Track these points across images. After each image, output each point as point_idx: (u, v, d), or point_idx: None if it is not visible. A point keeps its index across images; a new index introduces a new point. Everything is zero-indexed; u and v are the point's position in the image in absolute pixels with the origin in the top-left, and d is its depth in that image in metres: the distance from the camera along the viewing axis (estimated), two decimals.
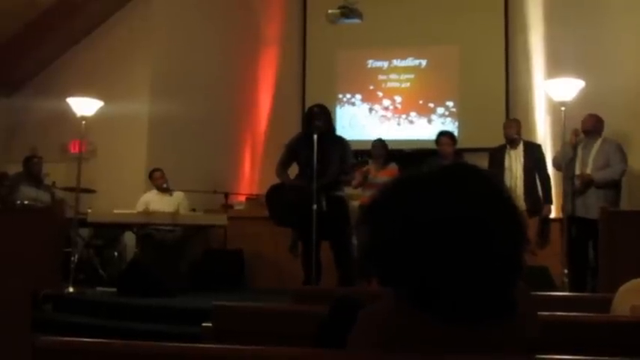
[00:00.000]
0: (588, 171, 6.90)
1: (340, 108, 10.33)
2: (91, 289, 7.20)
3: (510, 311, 1.29)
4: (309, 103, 9.61)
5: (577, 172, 6.97)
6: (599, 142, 7.03)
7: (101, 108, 7.47)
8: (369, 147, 8.09)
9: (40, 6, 8.57)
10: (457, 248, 1.21)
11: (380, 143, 8.11)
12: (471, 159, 7.85)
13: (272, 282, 7.78)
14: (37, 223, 6.71)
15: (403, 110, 10.50)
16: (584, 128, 7.06)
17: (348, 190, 6.72)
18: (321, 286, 6.14)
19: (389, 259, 1.28)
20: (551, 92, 7.06)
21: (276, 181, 6.49)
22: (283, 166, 6.53)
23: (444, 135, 7.67)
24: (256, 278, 8.33)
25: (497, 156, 7.38)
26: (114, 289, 6.92)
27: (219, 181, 9.42)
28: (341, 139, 6.53)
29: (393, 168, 7.76)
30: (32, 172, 8.13)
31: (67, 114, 7.57)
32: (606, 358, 1.41)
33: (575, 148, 6.99)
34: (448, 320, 1.25)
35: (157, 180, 8.13)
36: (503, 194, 1.30)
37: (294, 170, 6.52)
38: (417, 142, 9.83)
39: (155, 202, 8.03)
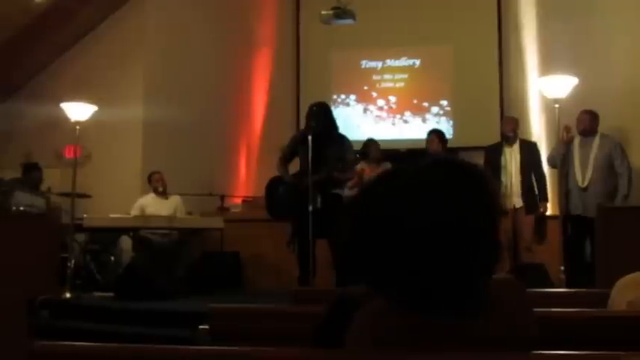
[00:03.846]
0: (589, 170, 6.90)
1: (335, 109, 10.25)
2: (88, 294, 7.18)
3: (483, 302, 1.31)
4: (303, 104, 9.62)
5: (577, 171, 6.96)
6: (597, 139, 7.00)
7: (95, 113, 7.44)
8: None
9: (33, 11, 8.56)
10: (435, 250, 1.23)
11: (376, 143, 8.10)
12: (465, 157, 7.85)
13: (269, 283, 7.77)
14: (33, 229, 6.70)
15: (398, 110, 10.51)
16: (582, 130, 7.03)
17: (344, 191, 6.73)
18: (315, 282, 6.17)
19: (370, 263, 1.29)
20: (545, 89, 7.06)
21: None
22: (283, 160, 6.70)
23: (431, 133, 7.69)
24: (254, 280, 8.32)
25: (492, 154, 7.39)
26: (111, 294, 6.91)
27: (215, 184, 9.41)
28: (341, 138, 6.55)
29: (386, 167, 7.74)
30: (32, 181, 8.10)
31: (62, 119, 7.55)
32: (604, 353, 1.41)
33: (567, 144, 6.99)
34: (433, 316, 1.27)
35: (155, 182, 8.12)
36: (481, 193, 1.31)
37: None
38: (411, 141, 9.83)
39: (151, 205, 8.02)
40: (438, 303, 1.27)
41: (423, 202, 1.25)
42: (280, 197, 6.51)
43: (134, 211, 7.91)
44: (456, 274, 1.24)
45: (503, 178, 7.14)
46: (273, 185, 6.64)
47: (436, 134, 7.61)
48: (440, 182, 1.28)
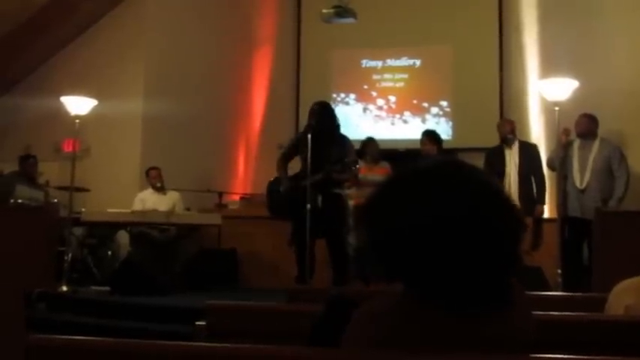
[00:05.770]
0: (588, 172, 6.89)
1: (334, 107, 10.27)
2: (84, 288, 7.17)
3: (509, 302, 1.31)
4: (303, 103, 9.62)
5: (576, 173, 6.95)
6: (596, 143, 7.00)
7: (95, 107, 7.45)
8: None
9: (33, 5, 8.55)
10: (461, 241, 1.24)
11: (374, 143, 8.08)
12: (465, 159, 7.86)
13: (266, 281, 7.76)
14: (31, 222, 6.69)
15: (397, 110, 10.50)
16: (579, 132, 7.04)
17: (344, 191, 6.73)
18: (313, 281, 6.16)
19: (396, 252, 1.29)
20: (545, 92, 7.05)
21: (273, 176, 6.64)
22: (284, 159, 6.67)
23: (424, 135, 7.65)
24: (250, 277, 8.31)
25: (493, 156, 7.38)
26: (107, 288, 6.90)
27: (213, 181, 9.40)
28: (342, 139, 6.53)
29: (384, 166, 7.73)
30: (27, 172, 8.10)
31: (61, 113, 7.55)
32: (601, 357, 1.40)
33: (565, 147, 6.99)
34: (454, 311, 1.27)
35: (152, 178, 8.12)
36: (495, 187, 1.34)
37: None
38: (410, 141, 9.79)
39: (150, 200, 8.01)
40: (453, 298, 1.27)
41: (433, 197, 1.26)
42: (282, 196, 6.50)
43: (136, 206, 7.90)
44: (466, 270, 1.25)
45: (502, 180, 7.14)
46: (275, 184, 6.64)
47: (428, 136, 7.57)
48: (451, 179, 1.30)
